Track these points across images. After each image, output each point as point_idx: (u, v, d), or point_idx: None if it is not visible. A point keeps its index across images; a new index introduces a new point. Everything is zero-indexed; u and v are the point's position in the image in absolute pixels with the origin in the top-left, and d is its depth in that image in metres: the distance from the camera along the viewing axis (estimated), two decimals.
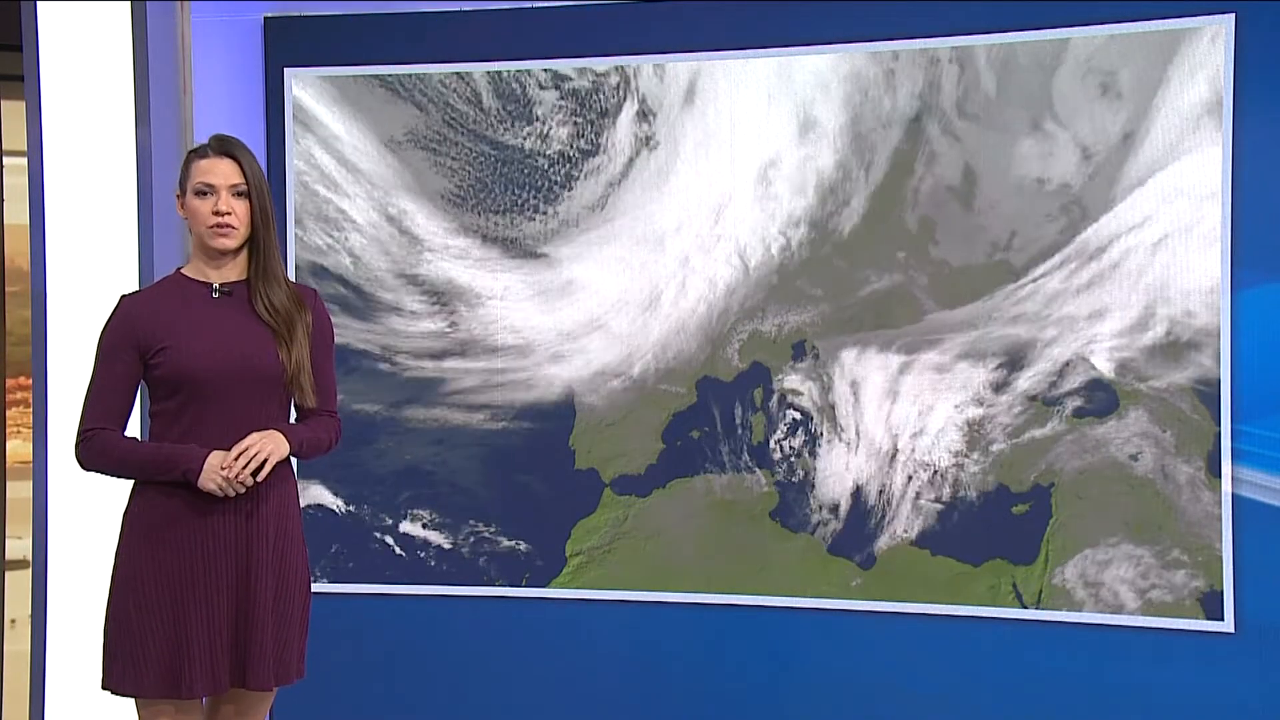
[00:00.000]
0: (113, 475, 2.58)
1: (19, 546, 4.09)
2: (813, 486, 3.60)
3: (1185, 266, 3.30)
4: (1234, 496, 3.26)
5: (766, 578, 3.63)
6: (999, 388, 3.46)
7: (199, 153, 2.59)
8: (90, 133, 3.53)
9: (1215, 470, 3.28)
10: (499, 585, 3.78)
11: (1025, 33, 3.40)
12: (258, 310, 2.58)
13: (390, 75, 3.77)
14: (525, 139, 3.74)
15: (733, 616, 3.64)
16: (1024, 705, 3.45)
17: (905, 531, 3.54)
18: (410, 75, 3.77)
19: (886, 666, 3.55)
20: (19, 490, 4.09)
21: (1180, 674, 3.32)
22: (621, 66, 3.67)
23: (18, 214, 4.08)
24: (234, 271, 2.60)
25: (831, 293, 3.57)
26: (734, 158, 3.62)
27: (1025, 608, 3.44)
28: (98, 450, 2.53)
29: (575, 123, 3.71)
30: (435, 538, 3.81)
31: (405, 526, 3.82)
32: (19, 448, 4.36)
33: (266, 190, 2.60)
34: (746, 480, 3.65)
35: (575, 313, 3.73)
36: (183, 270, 2.63)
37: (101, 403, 2.54)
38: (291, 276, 3.80)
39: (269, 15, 3.83)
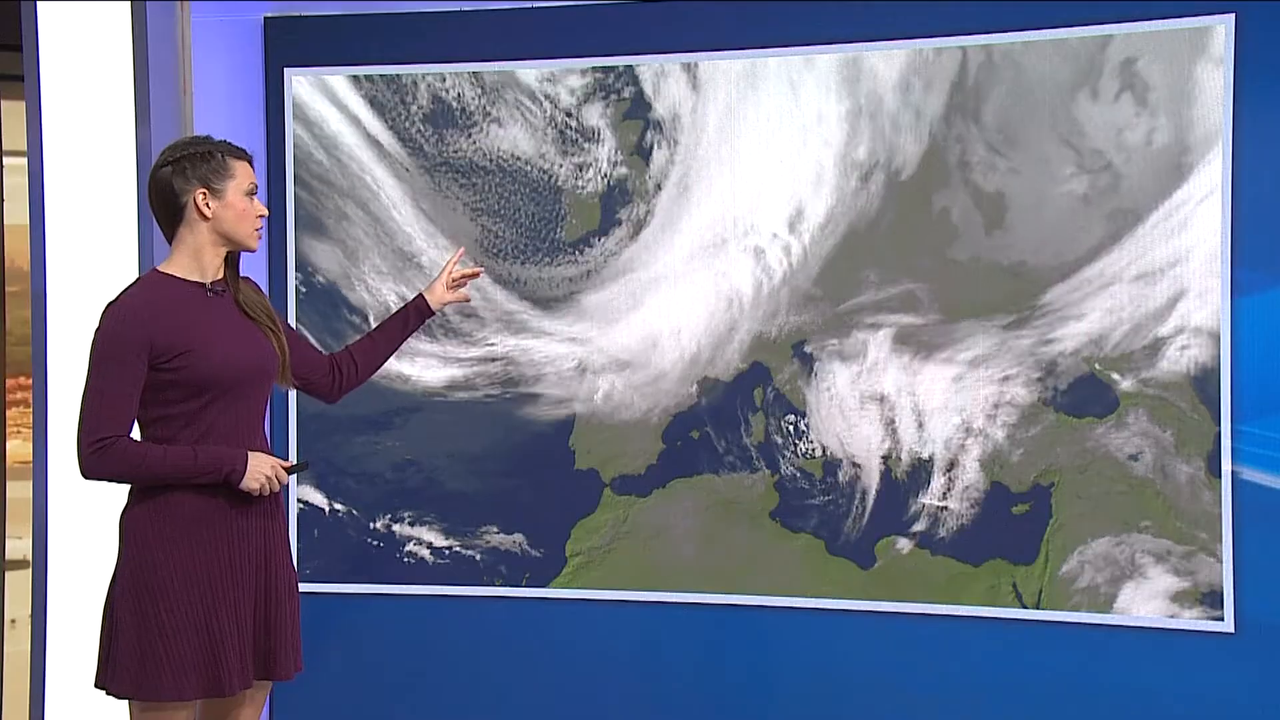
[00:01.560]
0: (128, 481, 2.55)
1: (19, 546, 4.09)
2: (813, 486, 3.60)
3: (1185, 266, 3.30)
4: (1234, 496, 3.26)
5: (766, 578, 3.62)
6: (1000, 388, 3.46)
7: (235, 153, 2.59)
8: (90, 133, 3.53)
9: (1215, 470, 3.28)
10: (499, 585, 3.78)
11: (1024, 33, 3.39)
12: (244, 307, 2.62)
13: (404, 84, 3.78)
14: (530, 162, 3.74)
15: (733, 616, 3.64)
16: (1024, 705, 3.45)
17: (905, 531, 3.53)
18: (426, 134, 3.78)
19: (886, 666, 3.55)
20: (19, 490, 4.09)
21: (1180, 674, 3.32)
22: (629, 67, 3.67)
23: (18, 214, 4.08)
24: (219, 270, 2.61)
25: (832, 293, 3.57)
26: (736, 160, 3.62)
27: (1025, 608, 3.44)
28: (118, 459, 2.47)
29: (582, 138, 3.71)
30: (435, 538, 3.81)
31: (405, 527, 3.82)
32: (19, 448, 4.35)
33: None
34: (746, 480, 3.65)
35: (577, 314, 3.74)
36: (162, 270, 2.59)
37: (113, 409, 2.48)
38: (291, 284, 3.82)
39: (269, 15, 3.83)
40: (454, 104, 3.76)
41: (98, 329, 2.52)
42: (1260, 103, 3.22)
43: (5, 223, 4.48)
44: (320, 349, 2.95)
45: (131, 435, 2.51)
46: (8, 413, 4.51)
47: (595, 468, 3.73)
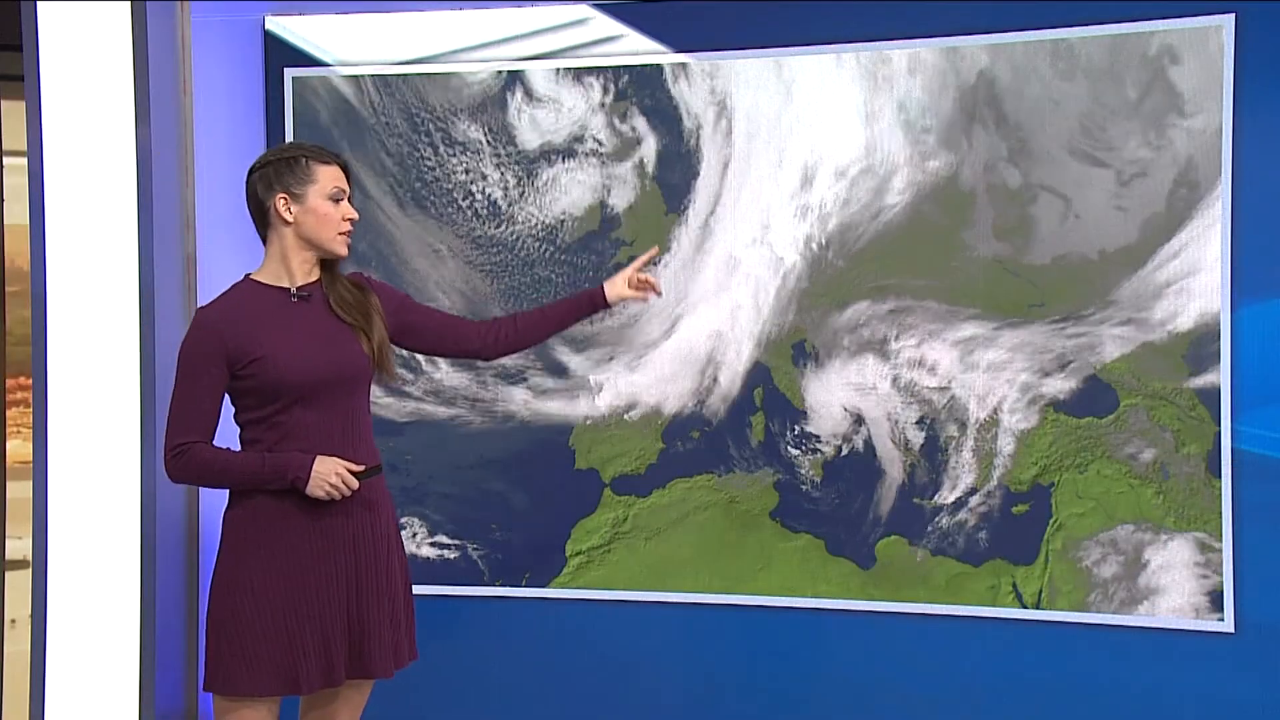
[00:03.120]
0: (207, 485, 2.63)
1: (19, 546, 4.08)
2: (813, 486, 3.60)
3: (1186, 267, 3.30)
4: (1233, 496, 3.26)
5: (766, 578, 3.63)
6: (1000, 389, 3.46)
7: (321, 157, 2.62)
8: (90, 133, 3.53)
9: (1215, 470, 3.28)
10: (499, 585, 3.78)
11: (1023, 33, 3.39)
12: (335, 309, 2.63)
13: (397, 79, 3.78)
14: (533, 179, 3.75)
15: (733, 616, 3.64)
16: (1024, 705, 3.45)
17: (905, 531, 3.53)
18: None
19: (886, 666, 3.55)
20: (19, 490, 4.09)
21: (1180, 674, 3.32)
22: (634, 69, 3.67)
23: (18, 214, 4.08)
24: (309, 274, 2.65)
25: (833, 293, 3.57)
26: (736, 159, 3.62)
27: (1025, 608, 3.44)
28: (193, 465, 2.55)
29: (590, 153, 3.72)
30: (434, 537, 3.81)
31: (404, 527, 3.81)
32: (19, 448, 4.35)
33: None
34: (746, 480, 3.65)
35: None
36: (253, 276, 2.64)
37: (190, 417, 2.55)
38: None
39: (269, 15, 3.83)
40: (484, 198, 3.75)
41: (183, 339, 2.60)
42: (1260, 103, 3.22)
43: (5, 223, 4.48)
44: (469, 317, 2.91)
45: (210, 441, 2.57)
46: (8, 413, 4.51)
47: (595, 468, 3.73)
